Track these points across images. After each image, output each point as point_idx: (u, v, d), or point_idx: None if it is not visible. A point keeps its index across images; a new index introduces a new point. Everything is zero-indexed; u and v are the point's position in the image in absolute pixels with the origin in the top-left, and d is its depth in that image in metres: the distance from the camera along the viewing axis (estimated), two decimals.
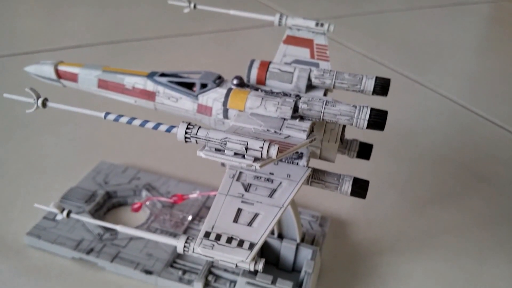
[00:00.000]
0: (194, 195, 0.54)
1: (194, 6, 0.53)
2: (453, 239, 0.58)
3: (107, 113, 0.32)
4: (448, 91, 0.95)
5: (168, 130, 0.31)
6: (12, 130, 0.68)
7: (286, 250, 0.49)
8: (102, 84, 0.44)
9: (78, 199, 0.53)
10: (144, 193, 0.56)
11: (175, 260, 0.48)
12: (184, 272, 0.47)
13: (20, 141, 0.66)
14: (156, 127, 0.31)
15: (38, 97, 0.34)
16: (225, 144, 0.30)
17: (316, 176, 0.41)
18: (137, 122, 0.31)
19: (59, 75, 0.45)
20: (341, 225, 0.58)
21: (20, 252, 0.49)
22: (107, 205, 0.55)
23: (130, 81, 0.43)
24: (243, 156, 0.31)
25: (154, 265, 0.47)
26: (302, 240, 0.51)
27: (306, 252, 0.49)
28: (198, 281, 0.46)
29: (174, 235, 0.51)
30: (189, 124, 0.31)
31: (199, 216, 0.53)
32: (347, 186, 0.41)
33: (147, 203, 0.53)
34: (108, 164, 0.60)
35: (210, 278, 0.47)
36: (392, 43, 1.17)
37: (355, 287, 0.50)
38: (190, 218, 0.53)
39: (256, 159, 0.31)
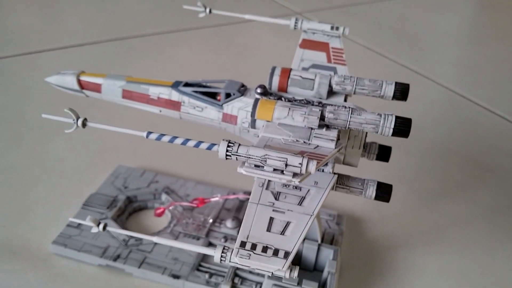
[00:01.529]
0: (215, 199, 0.55)
1: (210, 11, 0.53)
2: (463, 231, 0.60)
3: (149, 133, 0.32)
4: (449, 82, 0.96)
5: (209, 148, 0.31)
6: (24, 134, 0.68)
7: (308, 250, 0.50)
8: (127, 95, 0.45)
9: (100, 206, 0.54)
10: (164, 197, 0.57)
11: (200, 264, 0.50)
12: (211, 275, 0.48)
13: (33, 146, 0.66)
14: (197, 145, 0.32)
15: (77, 117, 0.35)
16: (265, 161, 0.31)
17: (341, 182, 0.42)
18: (179, 141, 0.32)
19: (82, 85, 0.46)
20: (356, 222, 0.60)
21: (46, 260, 0.50)
22: (129, 210, 0.56)
23: (155, 91, 0.44)
24: (282, 172, 0.32)
25: (181, 269, 0.49)
26: (322, 239, 0.52)
27: (327, 252, 0.50)
28: (225, 284, 0.47)
29: (197, 238, 0.52)
30: (229, 141, 0.32)
31: (219, 218, 0.55)
32: (372, 191, 0.42)
33: (170, 208, 0.54)
34: (125, 168, 0.61)
35: (236, 280, 0.48)
36: (390, 33, 1.18)
37: (374, 283, 0.52)
38: (211, 220, 0.54)
39: (295, 175, 0.32)
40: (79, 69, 0.47)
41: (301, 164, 0.31)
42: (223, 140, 0.32)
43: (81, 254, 0.49)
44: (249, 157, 0.32)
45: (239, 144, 0.32)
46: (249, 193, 0.57)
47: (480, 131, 0.81)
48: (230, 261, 0.35)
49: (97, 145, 0.67)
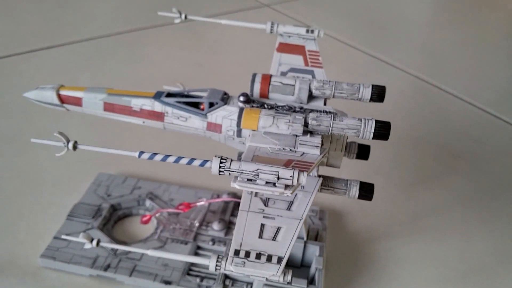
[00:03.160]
0: (201, 203, 0.55)
1: (185, 17, 0.53)
2: (439, 218, 0.63)
3: (141, 153, 0.33)
4: (418, 70, 0.99)
5: (202, 165, 0.32)
6: None
7: (295, 248, 0.52)
8: (109, 107, 0.45)
9: (85, 216, 0.54)
10: (148, 203, 0.57)
11: (190, 268, 0.50)
12: (202, 279, 0.49)
13: (10, 157, 0.65)
14: (190, 162, 0.32)
15: (68, 141, 0.35)
16: (258, 175, 0.32)
17: (325, 184, 0.44)
18: (171, 159, 0.32)
19: (62, 99, 0.45)
20: (337, 216, 0.62)
21: (36, 274, 0.50)
22: (114, 218, 0.56)
23: (137, 103, 0.44)
24: (274, 185, 0.33)
25: (172, 274, 0.49)
26: (307, 236, 0.54)
27: (313, 249, 0.52)
28: (216, 287, 0.48)
29: (185, 243, 0.53)
30: (221, 157, 0.33)
31: (205, 221, 0.55)
32: (355, 191, 0.44)
33: (157, 214, 0.54)
34: (106, 176, 0.61)
35: (227, 282, 0.49)
36: (357, 22, 1.20)
37: (358, 276, 0.54)
38: (197, 224, 0.55)
39: (286, 186, 0.33)
40: (58, 82, 0.47)
41: (292, 176, 0.32)
42: (215, 156, 0.33)
43: (71, 266, 0.49)
44: (242, 172, 0.33)
45: (231, 160, 0.33)
46: (233, 194, 0.59)
47: (450, 118, 0.84)
48: (225, 270, 0.36)
49: (76, 153, 0.66)
